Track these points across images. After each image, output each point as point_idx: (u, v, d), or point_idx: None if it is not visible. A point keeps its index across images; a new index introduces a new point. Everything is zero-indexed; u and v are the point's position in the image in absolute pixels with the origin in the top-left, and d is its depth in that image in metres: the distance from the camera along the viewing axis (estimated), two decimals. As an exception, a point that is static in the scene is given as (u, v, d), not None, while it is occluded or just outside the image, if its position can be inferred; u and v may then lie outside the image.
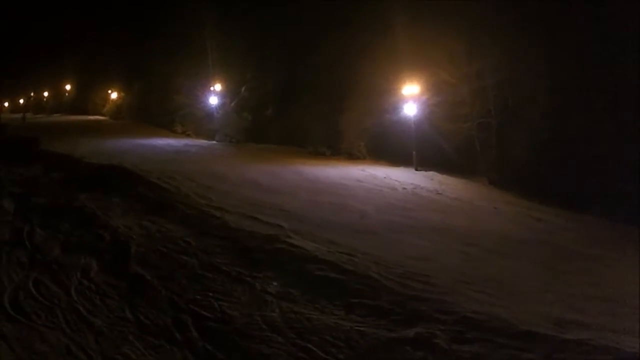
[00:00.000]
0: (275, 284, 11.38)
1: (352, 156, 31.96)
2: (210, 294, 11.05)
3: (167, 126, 49.85)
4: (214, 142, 42.14)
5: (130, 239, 14.66)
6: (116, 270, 12.61)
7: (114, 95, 65.86)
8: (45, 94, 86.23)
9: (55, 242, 14.79)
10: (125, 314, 10.38)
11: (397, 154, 29.19)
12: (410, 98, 28.28)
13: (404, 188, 22.96)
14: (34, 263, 13.24)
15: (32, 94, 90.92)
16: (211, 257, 13.09)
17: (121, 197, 19.06)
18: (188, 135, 46.53)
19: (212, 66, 45.18)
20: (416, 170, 27.04)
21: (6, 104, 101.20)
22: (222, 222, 15.67)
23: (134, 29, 58.68)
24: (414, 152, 27.68)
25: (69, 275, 12.31)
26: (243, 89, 43.59)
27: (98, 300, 11.00)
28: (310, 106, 35.79)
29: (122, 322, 10.05)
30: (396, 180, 24.40)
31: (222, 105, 44.29)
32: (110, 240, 14.74)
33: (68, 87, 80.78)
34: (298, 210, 17.83)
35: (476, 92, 27.40)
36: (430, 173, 26.07)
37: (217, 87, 44.76)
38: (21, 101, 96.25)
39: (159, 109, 52.55)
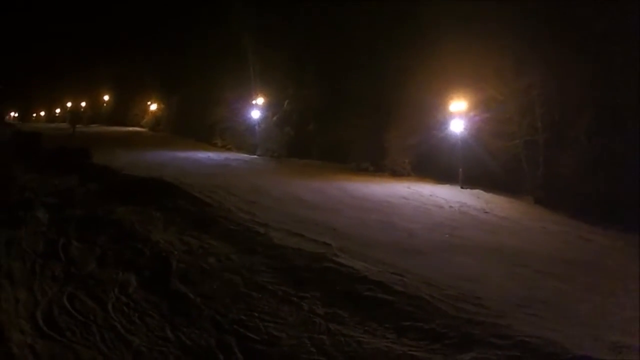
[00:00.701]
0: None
1: (396, 173, 31.78)
2: (256, 314, 10.84)
3: (206, 139, 50.23)
4: (255, 156, 42.21)
5: (171, 254, 14.53)
6: (156, 286, 12.47)
7: (153, 107, 66.36)
8: (83, 104, 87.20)
9: (92, 256, 14.69)
10: (166, 333, 10.20)
11: (442, 171, 29.02)
12: (457, 114, 27.96)
13: (451, 206, 22.73)
14: (68, 277, 13.14)
15: (69, 104, 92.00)
16: (256, 275, 12.91)
17: (161, 211, 19.00)
18: (228, 149, 46.66)
19: (253, 79, 45.41)
20: (462, 188, 26.81)
21: (42, 113, 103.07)
22: (267, 239, 15.53)
23: (174, 40, 59.15)
24: (460, 170, 27.42)
25: (106, 290, 12.18)
26: (285, 103, 43.57)
27: (137, 317, 10.84)
28: (353, 121, 35.69)
29: (162, 341, 9.88)
30: (442, 198, 24.18)
31: (263, 119, 44.20)
32: (150, 255, 14.60)
33: (106, 97, 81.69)
34: (344, 227, 17.65)
35: (523, 109, 26.97)
36: (476, 191, 25.79)
37: (259, 100, 44.65)
38: (57, 111, 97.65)
39: (198, 121, 52.98)
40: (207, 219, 17.93)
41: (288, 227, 17.00)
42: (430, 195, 24.86)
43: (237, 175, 29.41)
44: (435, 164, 30.04)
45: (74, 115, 76.30)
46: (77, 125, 67.58)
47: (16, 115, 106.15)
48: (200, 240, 15.78)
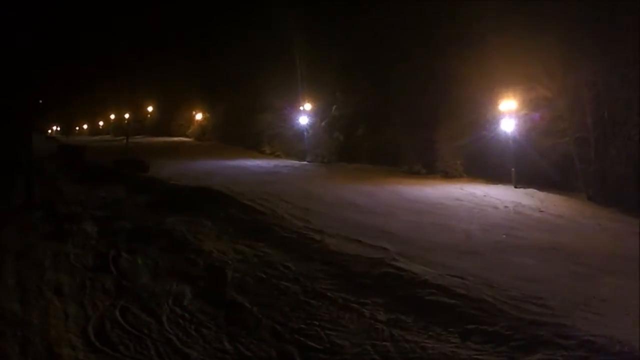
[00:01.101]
0: None
1: (448, 174, 31.53)
2: (316, 323, 10.68)
3: (254, 147, 50.49)
4: (305, 162, 42.18)
5: (225, 264, 14.44)
6: (212, 297, 12.33)
7: (198, 116, 66.74)
8: (126, 115, 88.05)
9: (144, 268, 14.67)
10: (224, 345, 10.03)
11: (493, 171, 28.80)
12: (507, 114, 27.68)
13: (506, 206, 22.44)
14: (120, 290, 13.09)
15: (112, 116, 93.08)
16: (314, 282, 12.76)
17: (212, 220, 18.98)
18: (277, 156, 46.73)
19: (300, 85, 45.28)
20: (515, 187, 26.58)
21: (85, 126, 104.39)
22: (323, 246, 15.40)
23: (218, 46, 59.25)
24: (512, 169, 27.16)
25: (160, 303, 12.08)
26: (333, 108, 43.42)
27: (193, 330, 10.70)
28: (402, 124, 35.59)
29: (220, 353, 9.72)
30: (496, 199, 23.93)
31: (311, 125, 44.14)
32: (204, 266, 14.52)
33: (149, 108, 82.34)
34: (400, 231, 17.50)
35: (573, 106, 26.51)
36: (530, 190, 25.52)
37: (307, 106, 44.60)
38: (100, 123, 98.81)
39: (245, 129, 53.11)
40: (260, 227, 17.88)
41: (344, 232, 16.87)
42: (484, 196, 24.69)
43: (288, 182, 29.37)
44: (487, 164, 29.83)
45: (127, 128, 77.04)
46: (120, 137, 68.42)
47: (58, 128, 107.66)
48: (255, 248, 15.68)
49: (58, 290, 13.03)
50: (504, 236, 16.98)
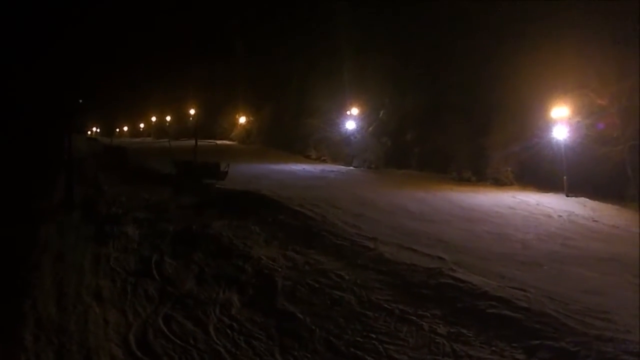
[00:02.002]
0: None
1: (499, 182, 31.01)
2: (373, 335, 10.27)
3: (300, 151, 50.11)
4: (352, 167, 41.84)
5: (275, 271, 14.00)
6: (261, 306, 11.93)
7: (242, 120, 66.65)
8: (168, 118, 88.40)
9: (189, 274, 14.32)
10: (275, 357, 9.65)
11: (544, 179, 28.36)
12: (559, 120, 27.21)
13: (560, 215, 21.84)
14: (164, 296, 12.75)
15: (153, 118, 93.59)
16: (369, 292, 12.28)
17: (260, 225, 18.66)
18: (323, 161, 46.47)
19: (347, 89, 44.96)
20: (567, 196, 26.03)
21: (125, 128, 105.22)
22: (377, 254, 14.87)
23: (262, 49, 59.19)
24: (564, 177, 26.63)
25: (206, 311, 11.70)
26: (381, 112, 43.02)
27: (242, 341, 10.29)
28: (452, 130, 35.02)
29: (270, 367, 9.19)
30: (549, 207, 23.37)
31: (359, 130, 43.82)
32: (253, 273, 14.09)
33: (192, 111, 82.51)
34: (456, 240, 17.10)
35: (627, 112, 26.00)
36: (582, 199, 24.98)
37: (354, 110, 44.29)
38: (141, 125, 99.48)
39: (290, 133, 52.92)
40: (311, 233, 17.43)
41: (398, 240, 16.40)
42: (537, 205, 24.17)
43: (337, 187, 28.89)
44: (538, 172, 29.40)
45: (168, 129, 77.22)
46: (162, 140, 68.49)
47: (98, 130, 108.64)
48: (305, 255, 15.23)
49: (97, 295, 12.77)
50: (545, 267, 16.34)
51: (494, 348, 9.58)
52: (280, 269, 14.13)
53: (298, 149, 50.54)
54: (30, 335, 10.31)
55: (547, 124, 28.32)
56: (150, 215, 21.19)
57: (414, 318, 10.89)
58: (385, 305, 11.54)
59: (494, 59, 31.72)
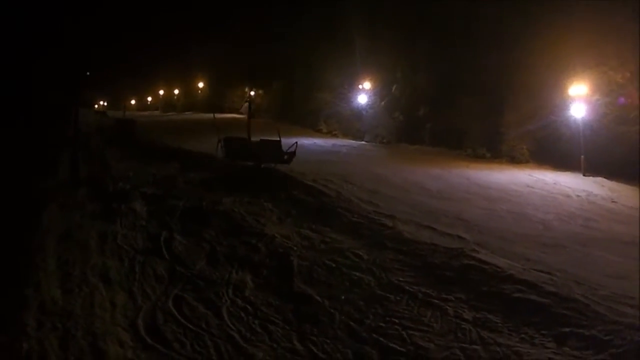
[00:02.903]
0: None
1: (514, 159, 31.18)
2: (396, 320, 9.81)
3: (310, 125, 50.12)
4: (364, 142, 41.82)
5: (290, 250, 13.51)
6: (277, 288, 11.46)
7: (252, 93, 66.16)
8: (176, 91, 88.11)
9: (199, 252, 13.80)
10: (294, 344, 9.14)
11: (560, 157, 28.43)
12: (577, 98, 26.92)
13: (578, 195, 21.81)
14: (174, 277, 12.23)
15: (161, 92, 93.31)
16: (389, 274, 11.84)
17: (273, 202, 18.22)
18: (334, 135, 46.32)
19: (359, 63, 44.64)
20: (584, 175, 26.08)
21: (132, 102, 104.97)
22: (396, 233, 14.48)
23: (273, 24, 58.60)
24: (582, 157, 26.57)
25: (219, 293, 11.20)
26: (394, 87, 42.60)
27: (257, 325, 9.78)
28: (466, 106, 34.86)
29: (290, 354, 8.84)
30: (567, 187, 23.34)
31: (371, 104, 43.42)
32: (266, 252, 13.59)
33: (200, 84, 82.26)
34: (476, 219, 16.84)
35: None
36: (599, 179, 25.01)
37: (366, 85, 44.01)
38: (149, 99, 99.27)
39: (301, 107, 52.93)
40: (326, 210, 17.02)
41: (416, 218, 16.05)
42: (555, 184, 24.07)
43: (350, 163, 28.62)
44: (554, 150, 29.35)
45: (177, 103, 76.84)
46: (170, 113, 68.26)
47: (105, 103, 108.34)
48: (321, 234, 14.75)
49: (104, 276, 12.20)
50: (569, 250, 15.84)
51: (522, 335, 9.17)
52: (295, 248, 13.66)
53: (309, 123, 50.48)
54: (34, 320, 9.78)
55: (565, 102, 28.22)
56: (158, 191, 20.72)
57: (438, 302, 10.47)
58: (407, 288, 11.10)
59: (509, 35, 31.43)
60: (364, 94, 44.20)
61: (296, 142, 25.17)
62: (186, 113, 75.68)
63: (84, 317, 10.03)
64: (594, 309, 9.65)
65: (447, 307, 10.22)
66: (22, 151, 26.83)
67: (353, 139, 43.32)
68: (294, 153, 24.69)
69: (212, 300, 10.84)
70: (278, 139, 24.82)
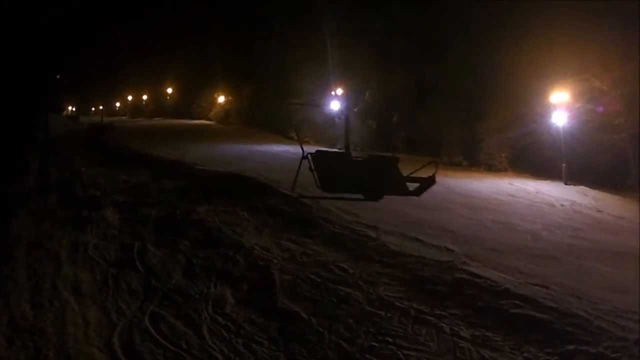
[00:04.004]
0: None
1: (492, 167, 31.07)
2: (390, 339, 9.26)
3: (281, 132, 49.42)
4: (336, 149, 40.78)
5: (270, 262, 12.87)
6: (259, 304, 10.81)
7: (221, 99, 65.62)
8: (144, 97, 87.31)
9: (175, 265, 13.16)
10: None
11: (540, 166, 28.36)
12: (558, 106, 26.78)
13: (562, 205, 21.50)
14: (149, 291, 11.59)
15: (129, 97, 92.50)
16: (378, 289, 11.23)
17: (249, 211, 17.56)
18: (306, 142, 45.44)
19: (332, 69, 43.96)
20: (565, 184, 25.91)
21: (101, 107, 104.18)
22: (381, 244, 13.84)
23: (243, 27, 58.09)
24: (563, 165, 26.58)
25: (198, 309, 10.57)
26: (367, 94, 42.15)
27: (241, 345, 9.18)
28: (442, 114, 34.67)
29: (278, 378, 8.16)
30: (550, 196, 23.07)
31: (343, 111, 42.84)
32: (246, 265, 12.93)
33: (169, 90, 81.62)
34: (461, 229, 16.26)
35: (629, 99, 25.91)
36: (581, 188, 24.94)
37: (338, 91, 43.20)
38: (117, 104, 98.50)
39: (271, 113, 52.13)
40: (305, 220, 16.36)
41: (400, 229, 15.44)
42: (537, 193, 23.79)
43: (325, 171, 27.75)
44: (534, 158, 29.27)
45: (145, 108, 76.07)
46: (137, 119, 67.60)
47: (73, 109, 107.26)
48: (302, 245, 14.12)
49: (76, 289, 11.61)
50: (562, 262, 15.50)
51: (525, 354, 8.73)
52: (276, 261, 13.02)
53: (279, 129, 49.76)
54: (3, 338, 9.21)
55: (546, 110, 28.00)
56: (130, 199, 20.18)
57: (432, 319, 9.93)
58: (398, 304, 10.54)
59: (488, 42, 31.16)
60: (337, 101, 43.57)
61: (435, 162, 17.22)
62: (155, 119, 74.88)
63: (56, 335, 9.44)
64: (597, 324, 9.28)
65: (443, 325, 9.70)
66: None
67: (326, 146, 42.19)
68: (431, 180, 16.22)
69: (191, 317, 10.22)
70: (391, 155, 19.60)
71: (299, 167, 15.37)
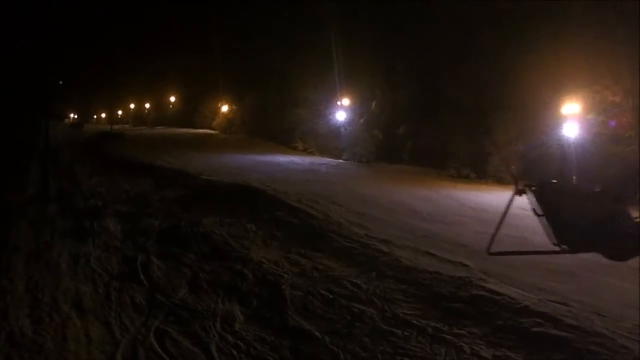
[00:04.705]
0: None
1: (502, 180, 29.96)
2: None
3: (285, 142, 49.00)
4: (341, 160, 40.74)
5: (280, 278, 12.51)
6: (270, 321, 10.44)
7: (224, 108, 65.36)
8: (147, 105, 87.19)
9: (180, 279, 12.80)
10: None
11: (550, 178, 26.92)
12: (569, 118, 26.33)
13: None
14: (154, 306, 11.22)
15: (132, 105, 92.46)
16: (393, 306, 10.85)
17: (256, 223, 17.20)
18: (310, 153, 45.37)
19: (338, 79, 43.58)
20: None
21: (103, 115, 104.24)
22: (394, 259, 13.46)
23: (247, 37, 57.89)
24: (574, 178, 25.62)
25: (205, 326, 10.16)
26: (373, 104, 41.76)
27: (253, 366, 8.70)
28: (449, 125, 33.82)
29: (294, 403, 7.77)
30: None
31: (349, 122, 42.58)
32: (254, 280, 12.57)
33: (172, 98, 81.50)
34: (475, 244, 15.74)
35: None
36: None
37: (344, 101, 42.98)
38: (119, 112, 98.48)
39: (275, 123, 51.77)
40: (314, 233, 16.01)
41: (412, 243, 15.04)
42: None
43: (332, 182, 27.53)
44: (542, 170, 28.07)
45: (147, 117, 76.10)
46: (140, 127, 67.52)
47: (75, 116, 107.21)
48: (312, 260, 13.76)
49: (77, 304, 11.23)
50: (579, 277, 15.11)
51: (551, 378, 8.28)
52: (286, 276, 12.66)
53: (283, 140, 49.39)
54: (1, 354, 8.89)
55: (556, 121, 27.37)
56: (132, 209, 19.92)
57: (451, 338, 9.53)
58: (415, 322, 10.15)
59: (497, 53, 30.69)
60: (342, 111, 43.27)
61: None
62: (157, 127, 74.66)
63: (56, 352, 9.07)
64: (622, 343, 8.90)
65: (462, 344, 9.31)
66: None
67: (330, 157, 42.06)
68: None
69: (199, 334, 9.82)
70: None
71: (506, 210, 12.61)
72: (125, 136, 49.52)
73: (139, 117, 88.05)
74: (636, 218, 11.63)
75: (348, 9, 43.49)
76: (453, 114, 33.63)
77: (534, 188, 11.48)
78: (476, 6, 32.45)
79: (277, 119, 51.39)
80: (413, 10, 37.33)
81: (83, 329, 10.00)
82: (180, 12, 72.60)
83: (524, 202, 23.12)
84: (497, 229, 12.41)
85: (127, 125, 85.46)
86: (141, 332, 9.95)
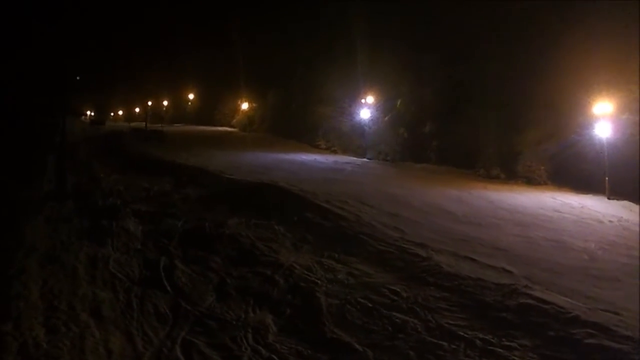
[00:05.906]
0: None
1: (532, 181, 29.77)
2: None
3: (307, 141, 48.61)
4: (366, 159, 40.25)
5: (314, 284, 11.88)
6: (305, 332, 9.84)
7: (244, 106, 64.91)
8: (165, 102, 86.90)
9: (207, 285, 12.24)
10: None
11: (580, 179, 27.12)
12: (602, 117, 25.69)
13: (610, 221, 20.27)
14: (179, 315, 10.63)
15: (149, 103, 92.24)
16: (437, 316, 10.26)
17: (285, 225, 16.63)
18: (334, 151, 44.93)
19: (362, 76, 43.14)
20: (608, 199, 24.72)
21: (120, 112, 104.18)
22: (433, 265, 12.79)
23: (268, 33, 57.65)
24: (606, 179, 25.44)
25: (236, 337, 9.57)
26: (399, 102, 41.16)
27: (290, 384, 8.09)
28: (477, 124, 33.42)
29: None
30: (596, 211, 21.88)
31: (373, 120, 41.93)
32: (286, 286, 11.95)
33: (191, 96, 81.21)
34: (514, 248, 15.19)
35: None
36: (625, 203, 23.62)
37: (368, 99, 42.42)
38: (137, 110, 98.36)
39: (297, 121, 51.52)
40: (346, 236, 15.36)
41: (450, 247, 14.38)
42: (582, 208, 22.65)
43: (358, 182, 26.98)
44: (574, 171, 27.93)
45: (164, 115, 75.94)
46: (157, 124, 67.29)
47: (92, 114, 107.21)
48: (347, 265, 13.14)
49: (96, 312, 10.67)
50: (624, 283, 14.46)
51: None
52: (319, 282, 12.03)
53: (305, 138, 49.07)
54: (12, 368, 8.22)
55: (589, 121, 26.98)
56: (153, 209, 19.43)
57: (501, 350, 9.00)
58: (461, 333, 9.57)
59: (528, 49, 30.38)
60: (366, 109, 42.60)
61: None
62: (175, 125, 74.37)
63: (74, 366, 8.41)
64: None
65: (514, 357, 8.79)
66: (3, 158, 25.40)
67: (354, 156, 41.72)
68: None
69: (229, 347, 9.26)
70: None
71: None
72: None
73: (156, 114, 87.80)
74: None
75: (373, 4, 42.86)
76: (481, 112, 33.07)
77: None
78: (506, 3, 31.91)
79: (299, 117, 51.11)
80: (440, 5, 36.74)
81: (102, 340, 9.42)
82: (199, 8, 72.34)
83: (557, 204, 22.61)
84: None
85: (144, 123, 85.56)
86: (166, 344, 9.39)
